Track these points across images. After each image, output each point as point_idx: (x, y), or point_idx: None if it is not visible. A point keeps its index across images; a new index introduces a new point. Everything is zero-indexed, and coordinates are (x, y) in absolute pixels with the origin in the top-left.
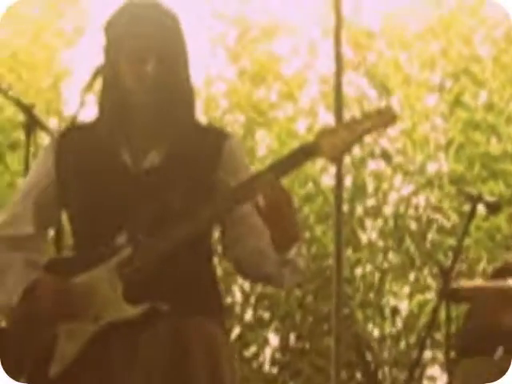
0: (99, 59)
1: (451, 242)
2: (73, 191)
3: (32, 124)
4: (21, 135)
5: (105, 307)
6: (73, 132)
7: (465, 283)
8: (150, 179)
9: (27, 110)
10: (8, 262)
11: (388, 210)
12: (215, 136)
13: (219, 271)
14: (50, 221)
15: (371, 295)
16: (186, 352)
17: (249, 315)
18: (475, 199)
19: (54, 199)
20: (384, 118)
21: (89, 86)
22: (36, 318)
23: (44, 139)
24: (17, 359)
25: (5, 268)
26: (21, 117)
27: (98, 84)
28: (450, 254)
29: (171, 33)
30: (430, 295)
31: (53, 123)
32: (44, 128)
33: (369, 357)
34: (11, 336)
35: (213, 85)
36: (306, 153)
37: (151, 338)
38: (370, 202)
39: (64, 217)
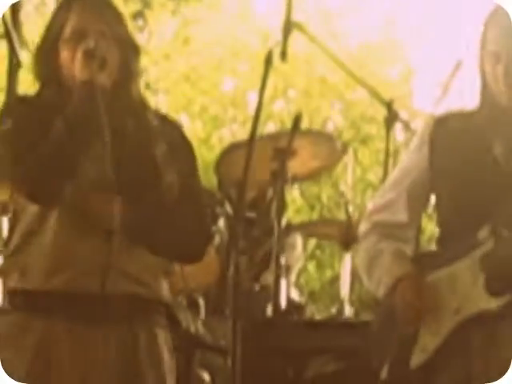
0: (446, 55)
1: None
2: (443, 180)
3: (391, 119)
4: (372, 129)
5: (466, 299)
6: (447, 121)
7: None
8: None
9: (387, 104)
10: (378, 249)
11: None
12: None
13: None
14: (420, 209)
15: None
16: None
17: None
18: None
19: (426, 187)
20: None
21: (446, 84)
22: (400, 312)
23: (399, 135)
24: (378, 353)
25: (375, 255)
26: (371, 111)
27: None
28: None
29: None
30: None
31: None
32: (403, 122)
33: None
34: (375, 330)
35: None
36: None
37: None
38: None
39: None
